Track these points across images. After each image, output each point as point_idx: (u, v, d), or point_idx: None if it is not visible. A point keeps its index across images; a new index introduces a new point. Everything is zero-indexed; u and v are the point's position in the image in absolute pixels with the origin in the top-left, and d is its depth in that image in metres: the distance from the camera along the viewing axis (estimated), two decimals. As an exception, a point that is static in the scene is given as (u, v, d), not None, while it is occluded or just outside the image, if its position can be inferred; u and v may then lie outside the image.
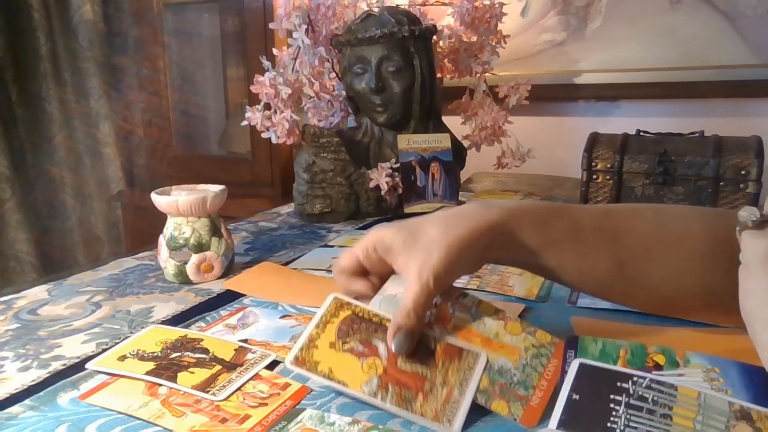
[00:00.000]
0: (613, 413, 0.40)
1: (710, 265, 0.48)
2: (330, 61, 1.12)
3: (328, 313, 0.49)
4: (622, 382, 0.43)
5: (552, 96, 1.44)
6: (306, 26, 1.04)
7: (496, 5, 1.15)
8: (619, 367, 0.46)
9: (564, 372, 0.46)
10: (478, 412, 0.43)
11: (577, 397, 0.42)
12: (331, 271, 0.78)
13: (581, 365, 0.46)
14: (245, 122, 1.08)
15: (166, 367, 0.50)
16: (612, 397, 0.42)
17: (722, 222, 0.49)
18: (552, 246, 0.49)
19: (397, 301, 0.47)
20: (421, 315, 0.46)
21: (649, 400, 0.41)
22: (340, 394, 0.47)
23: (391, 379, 0.44)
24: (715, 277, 0.47)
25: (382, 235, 0.50)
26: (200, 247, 0.73)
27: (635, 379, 0.43)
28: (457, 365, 0.45)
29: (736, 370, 0.45)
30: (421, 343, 0.46)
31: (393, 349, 0.46)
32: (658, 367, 0.46)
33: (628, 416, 0.40)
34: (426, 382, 0.43)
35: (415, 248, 0.47)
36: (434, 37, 1.12)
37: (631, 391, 0.42)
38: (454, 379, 0.44)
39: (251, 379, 0.48)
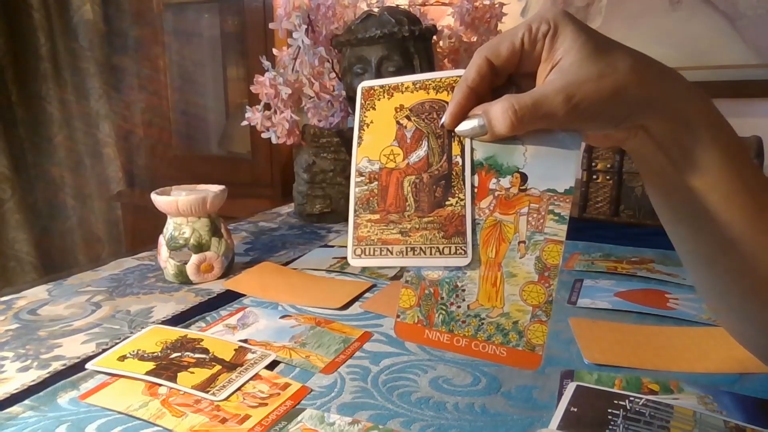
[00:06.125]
0: (612, 423, 0.40)
1: None
2: (330, 61, 1.12)
3: (433, 79, 0.39)
4: (619, 400, 0.43)
5: (552, 96, 1.44)
6: (306, 26, 1.04)
7: (496, 5, 1.15)
8: (615, 389, 0.46)
9: (561, 394, 0.46)
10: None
11: (575, 410, 0.42)
12: (330, 271, 0.78)
13: (578, 387, 0.46)
14: (245, 122, 1.08)
15: (166, 367, 0.50)
16: (610, 410, 0.42)
17: None
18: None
19: (489, 146, 0.36)
20: (518, 126, 0.34)
21: (647, 415, 0.41)
22: (340, 393, 0.47)
23: (400, 174, 0.38)
24: None
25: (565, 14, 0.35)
26: (200, 247, 0.73)
27: (631, 398, 0.44)
28: (441, 235, 0.37)
29: (729, 398, 0.45)
30: (452, 191, 0.37)
31: (453, 122, 0.36)
32: (653, 393, 0.46)
33: (626, 426, 0.40)
34: (406, 210, 0.37)
35: (596, 54, 0.33)
36: (434, 37, 1.11)
37: (628, 407, 0.42)
38: (427, 236, 0.37)
39: (251, 379, 0.48)
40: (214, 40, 1.95)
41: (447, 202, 0.36)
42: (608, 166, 1.07)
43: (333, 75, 1.14)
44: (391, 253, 0.36)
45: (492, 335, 0.35)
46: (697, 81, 1.43)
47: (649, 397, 0.44)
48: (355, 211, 0.37)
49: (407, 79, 0.39)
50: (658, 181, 0.37)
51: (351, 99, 1.10)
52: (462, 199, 0.36)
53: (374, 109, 0.39)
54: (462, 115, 0.36)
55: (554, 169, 0.35)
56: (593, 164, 1.08)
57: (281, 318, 0.62)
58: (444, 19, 1.27)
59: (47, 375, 0.50)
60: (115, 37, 1.90)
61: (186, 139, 1.98)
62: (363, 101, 0.39)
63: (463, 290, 0.36)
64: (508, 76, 0.37)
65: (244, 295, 0.69)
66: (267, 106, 1.07)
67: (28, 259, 1.80)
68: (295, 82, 1.07)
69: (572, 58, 0.33)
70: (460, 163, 0.37)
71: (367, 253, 0.37)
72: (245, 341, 0.56)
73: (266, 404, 0.45)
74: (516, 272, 0.35)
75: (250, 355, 0.52)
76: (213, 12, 1.93)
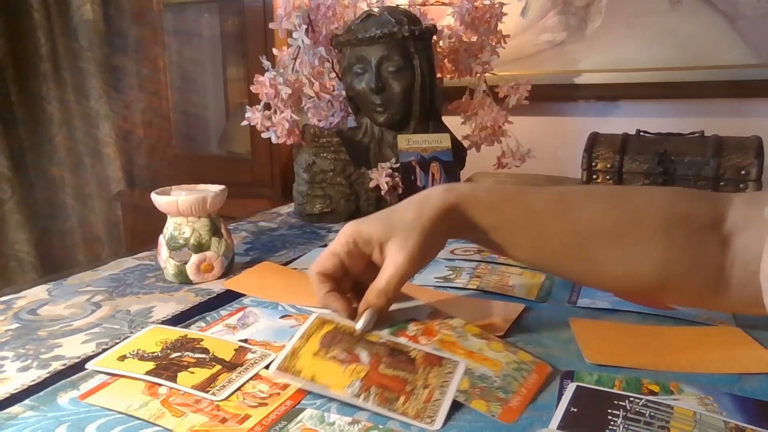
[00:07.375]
0: (612, 423, 0.40)
1: (667, 244, 0.49)
2: (330, 61, 1.12)
3: (311, 328, 0.51)
4: (619, 401, 0.44)
5: (552, 96, 1.44)
6: (306, 26, 1.04)
7: (496, 5, 1.15)
8: (615, 390, 0.46)
9: (561, 394, 0.46)
10: (457, 409, 0.44)
11: (575, 410, 0.42)
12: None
13: (578, 387, 0.46)
14: (245, 122, 1.08)
15: (166, 367, 0.50)
16: (610, 411, 0.42)
17: (683, 198, 0.51)
18: (504, 227, 0.52)
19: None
20: (392, 297, 0.50)
21: (647, 415, 0.41)
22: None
23: (373, 382, 0.45)
24: (673, 255, 0.49)
25: (360, 227, 0.52)
26: (200, 247, 0.73)
27: (631, 399, 0.44)
28: (438, 370, 0.46)
29: (730, 399, 0.45)
30: (402, 353, 0.48)
31: (358, 326, 0.50)
32: (652, 394, 0.46)
33: (626, 426, 0.40)
34: (407, 384, 0.45)
35: (393, 234, 0.50)
36: (434, 37, 1.12)
37: (628, 407, 0.42)
38: (435, 381, 0.45)
39: (251, 379, 0.48)
40: (214, 40, 1.95)
41: (411, 355, 0.48)
42: (608, 166, 1.07)
43: (333, 75, 1.15)
44: (448, 394, 0.44)
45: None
46: (697, 81, 1.43)
47: (649, 397, 0.44)
48: (393, 409, 0.43)
49: (292, 344, 0.49)
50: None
51: (351, 99, 1.10)
52: (415, 348, 0.49)
53: (303, 367, 0.47)
54: (353, 316, 0.51)
55: (415, 311, 0.54)
56: (593, 164, 1.08)
57: (281, 318, 0.62)
58: (444, 19, 1.27)
59: (47, 375, 0.50)
60: (115, 37, 1.90)
61: (186, 139, 1.98)
62: (289, 380, 0.47)
63: (484, 374, 0.47)
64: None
65: (244, 295, 0.69)
66: (267, 106, 1.07)
67: (28, 259, 1.80)
68: (295, 82, 1.07)
69: (380, 243, 0.52)
70: (385, 340, 0.50)
71: (435, 413, 0.42)
72: (245, 341, 0.56)
73: (266, 404, 0.45)
74: (478, 347, 0.50)
75: (250, 355, 0.52)
76: (213, 12, 1.93)
